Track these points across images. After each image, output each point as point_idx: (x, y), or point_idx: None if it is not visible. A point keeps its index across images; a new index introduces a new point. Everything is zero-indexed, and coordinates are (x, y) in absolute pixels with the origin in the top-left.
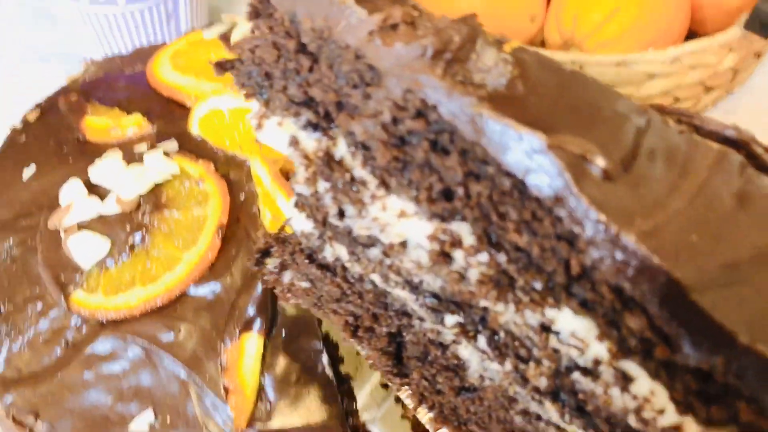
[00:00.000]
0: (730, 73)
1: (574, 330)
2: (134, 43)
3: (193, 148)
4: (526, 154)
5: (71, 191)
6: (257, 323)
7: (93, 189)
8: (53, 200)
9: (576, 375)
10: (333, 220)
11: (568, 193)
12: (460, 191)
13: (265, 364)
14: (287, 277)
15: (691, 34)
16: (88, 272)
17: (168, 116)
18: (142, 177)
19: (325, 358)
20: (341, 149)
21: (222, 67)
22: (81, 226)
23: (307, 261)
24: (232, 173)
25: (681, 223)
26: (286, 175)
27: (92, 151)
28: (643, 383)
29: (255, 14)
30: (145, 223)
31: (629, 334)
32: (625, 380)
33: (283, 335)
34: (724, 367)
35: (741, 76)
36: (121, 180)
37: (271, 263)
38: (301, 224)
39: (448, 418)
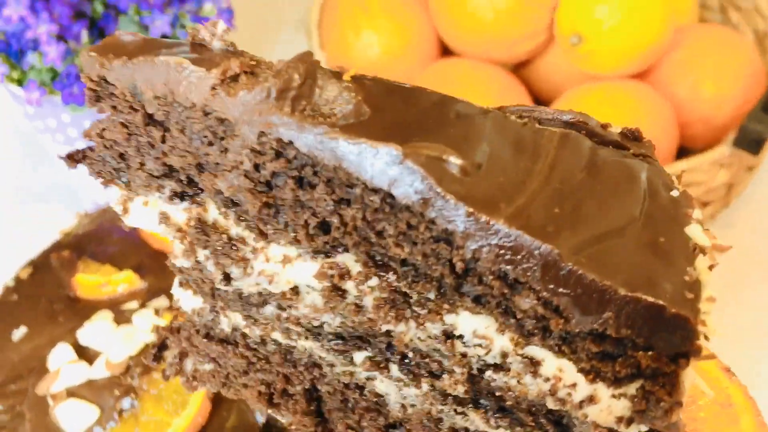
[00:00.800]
0: (724, 188)
1: (475, 329)
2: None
3: None
4: (387, 167)
5: (60, 356)
6: None
7: (82, 351)
8: (42, 363)
9: (489, 373)
10: (221, 286)
11: (434, 195)
12: (335, 220)
13: None
14: (189, 365)
15: (682, 149)
16: None
17: (159, 270)
18: (132, 338)
19: None
20: (212, 213)
21: (73, 159)
22: (69, 393)
23: (205, 340)
24: None
25: (542, 200)
26: None
27: (83, 309)
28: (550, 363)
29: (96, 98)
30: (134, 387)
31: (525, 317)
32: (533, 365)
33: None
34: (615, 321)
35: (736, 189)
36: (111, 342)
37: (170, 355)
38: (191, 302)
39: None
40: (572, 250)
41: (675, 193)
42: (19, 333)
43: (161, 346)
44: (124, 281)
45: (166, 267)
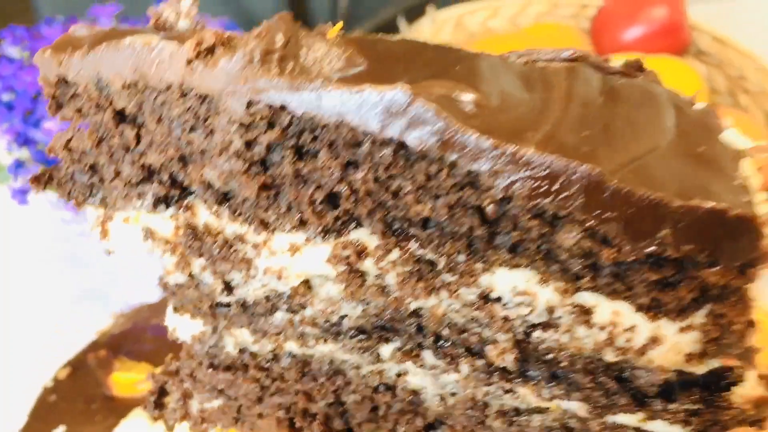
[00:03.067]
0: None
1: (515, 285)
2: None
3: None
4: (395, 113)
5: None
6: None
7: None
8: None
9: (537, 334)
10: (222, 299)
11: (453, 132)
12: (344, 188)
13: None
14: (195, 405)
15: None
16: None
17: None
18: None
19: None
20: (202, 215)
21: (38, 181)
22: None
23: (210, 370)
24: None
25: (568, 125)
26: None
27: (119, 407)
28: (604, 308)
29: (57, 106)
30: None
31: (569, 257)
32: (585, 314)
33: None
34: (674, 238)
35: None
36: None
37: (172, 400)
38: (189, 328)
39: None
40: (614, 168)
41: (699, 106)
42: None
43: (161, 393)
44: None
45: None
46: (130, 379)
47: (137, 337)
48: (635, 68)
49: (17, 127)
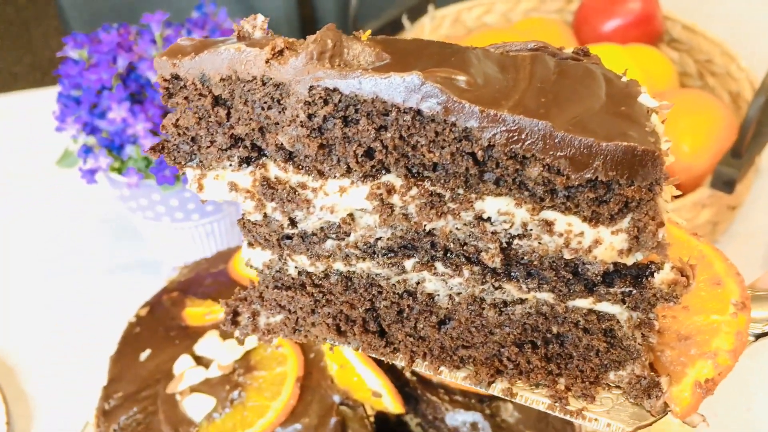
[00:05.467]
0: (710, 225)
1: (499, 208)
2: (205, 249)
3: None
4: (413, 90)
5: (182, 364)
6: None
7: (199, 360)
8: (167, 373)
9: (516, 242)
10: (288, 231)
11: (453, 103)
12: (378, 145)
13: None
14: (262, 321)
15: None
16: (200, 424)
17: None
18: (235, 348)
19: None
20: (272, 170)
21: (155, 150)
22: (192, 389)
23: (275, 290)
24: None
25: (530, 95)
26: None
27: (193, 333)
28: (561, 221)
29: (168, 95)
30: (240, 382)
31: (535, 185)
32: (548, 225)
33: None
34: (603, 167)
35: (721, 226)
36: (220, 351)
37: (243, 318)
38: (261, 257)
39: (439, 357)
40: (562, 122)
41: (625, 79)
42: (144, 354)
43: (234, 314)
44: (223, 310)
45: None
46: (199, 312)
47: (200, 282)
48: (582, 54)
49: (84, 118)
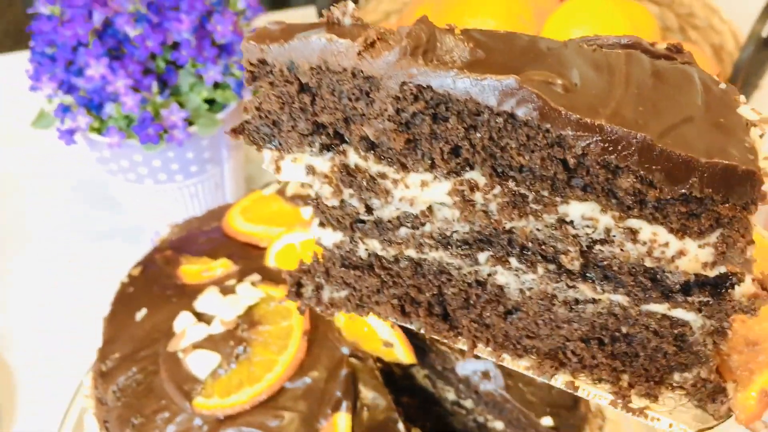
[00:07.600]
0: None
1: (583, 213)
2: (188, 210)
3: (272, 276)
4: (509, 94)
5: (183, 321)
6: (344, 404)
7: (200, 317)
8: (167, 332)
9: (597, 247)
10: (363, 216)
11: (548, 109)
12: (466, 144)
13: None
14: (326, 294)
15: None
16: (205, 381)
17: (247, 256)
18: (237, 303)
19: (401, 425)
20: (352, 158)
21: (235, 131)
22: (195, 346)
23: (343, 269)
24: None
25: (627, 103)
26: None
27: (190, 291)
28: (646, 230)
29: (252, 78)
30: (244, 338)
31: (624, 195)
32: (632, 233)
33: (365, 413)
34: (699, 183)
35: None
36: (221, 307)
37: (307, 290)
38: (331, 238)
39: (503, 344)
40: (660, 135)
41: (722, 86)
42: (140, 314)
43: (298, 285)
44: (221, 266)
45: (251, 253)
46: (196, 269)
47: (194, 240)
48: (675, 51)
49: (60, 76)
